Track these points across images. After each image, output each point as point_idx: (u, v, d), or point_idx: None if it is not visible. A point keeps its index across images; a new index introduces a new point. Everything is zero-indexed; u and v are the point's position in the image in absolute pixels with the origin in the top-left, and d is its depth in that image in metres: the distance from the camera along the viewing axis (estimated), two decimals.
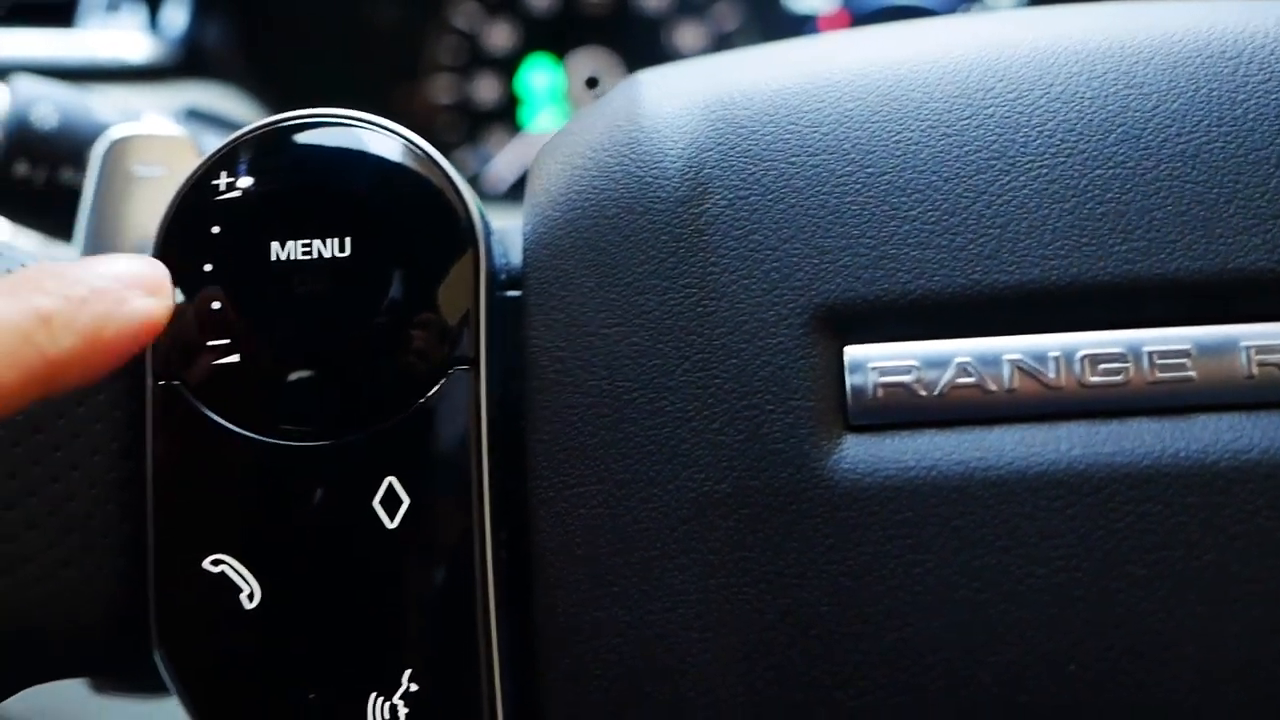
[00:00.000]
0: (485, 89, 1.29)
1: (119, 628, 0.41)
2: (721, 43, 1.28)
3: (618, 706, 0.39)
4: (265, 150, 0.42)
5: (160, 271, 0.39)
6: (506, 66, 1.29)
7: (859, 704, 0.38)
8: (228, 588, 0.39)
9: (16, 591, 0.39)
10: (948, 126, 0.41)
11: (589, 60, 1.29)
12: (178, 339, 0.40)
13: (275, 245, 0.40)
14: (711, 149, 0.42)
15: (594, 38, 1.29)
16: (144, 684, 0.46)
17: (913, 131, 0.41)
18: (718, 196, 0.41)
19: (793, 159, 0.41)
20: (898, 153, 0.41)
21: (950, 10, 1.28)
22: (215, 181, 0.41)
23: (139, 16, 1.09)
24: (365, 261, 0.40)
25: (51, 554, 0.40)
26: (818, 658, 0.38)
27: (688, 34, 1.29)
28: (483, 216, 0.42)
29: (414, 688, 0.39)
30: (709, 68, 0.46)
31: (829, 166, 0.41)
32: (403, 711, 0.39)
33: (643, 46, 1.29)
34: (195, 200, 0.41)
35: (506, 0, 1.29)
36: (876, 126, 0.42)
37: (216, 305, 0.40)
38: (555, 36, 1.30)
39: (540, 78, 1.29)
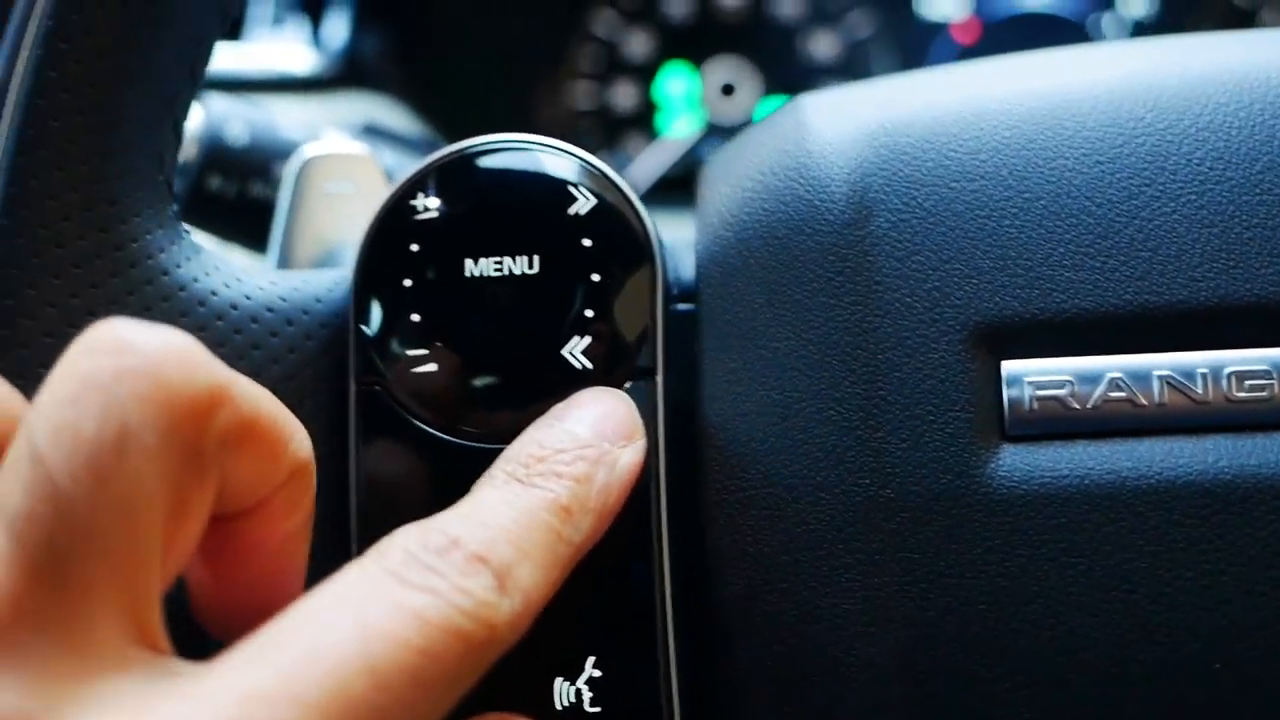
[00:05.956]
0: (623, 95, 1.32)
1: None
2: (855, 50, 1.30)
3: (783, 696, 0.42)
4: (457, 174, 0.45)
5: (631, 412, 0.41)
6: (644, 74, 1.32)
7: (1013, 698, 0.40)
8: None
9: None
10: (1100, 154, 0.43)
11: (724, 67, 1.31)
12: (379, 347, 0.43)
13: (469, 262, 0.43)
14: (875, 174, 0.44)
15: (729, 45, 1.31)
16: None
17: (1067, 159, 0.43)
18: (881, 219, 0.43)
19: (952, 184, 0.44)
20: (1052, 179, 0.43)
21: (1081, 16, 1.28)
22: (413, 203, 0.44)
23: (303, 30, 1.13)
24: (552, 277, 0.43)
25: None
26: (974, 654, 0.40)
27: (822, 41, 1.30)
28: (658, 233, 0.44)
29: (597, 673, 0.41)
30: (870, 93, 0.48)
31: (987, 191, 0.43)
32: (586, 695, 0.41)
33: (777, 54, 1.31)
34: (395, 220, 0.44)
35: (644, 9, 1.32)
36: (1032, 154, 0.44)
37: (416, 318, 0.43)
38: (691, 44, 1.32)
39: (677, 84, 1.32)
